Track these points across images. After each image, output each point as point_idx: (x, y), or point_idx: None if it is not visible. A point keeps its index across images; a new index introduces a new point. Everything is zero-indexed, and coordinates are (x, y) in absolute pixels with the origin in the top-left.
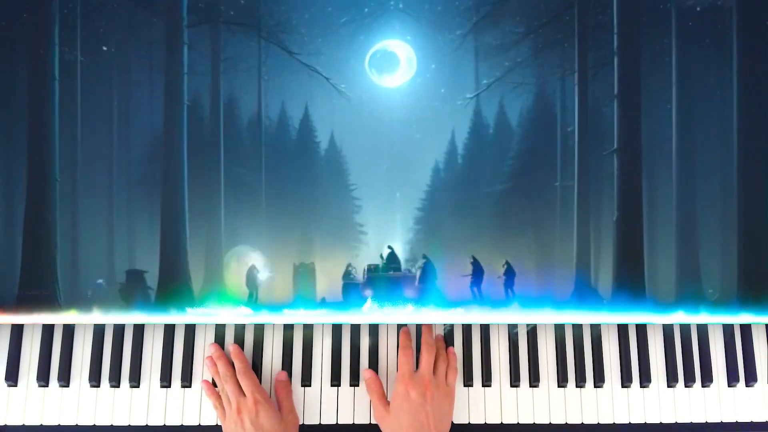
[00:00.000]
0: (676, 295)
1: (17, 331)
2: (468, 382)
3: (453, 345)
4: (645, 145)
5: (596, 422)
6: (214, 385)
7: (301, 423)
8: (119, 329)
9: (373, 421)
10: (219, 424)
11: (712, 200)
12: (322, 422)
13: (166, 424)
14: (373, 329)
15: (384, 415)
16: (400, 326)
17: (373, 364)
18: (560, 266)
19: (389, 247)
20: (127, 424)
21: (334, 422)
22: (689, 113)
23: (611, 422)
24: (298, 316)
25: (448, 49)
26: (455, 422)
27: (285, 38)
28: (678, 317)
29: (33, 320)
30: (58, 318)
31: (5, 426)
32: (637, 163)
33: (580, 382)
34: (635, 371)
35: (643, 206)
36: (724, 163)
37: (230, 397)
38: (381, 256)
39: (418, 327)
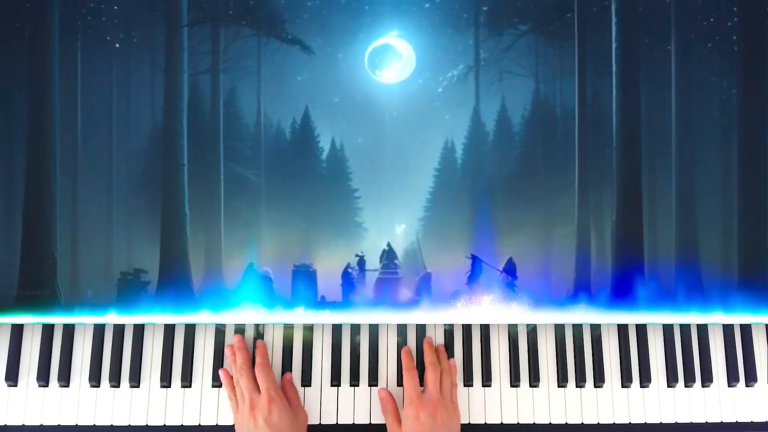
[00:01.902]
0: (676, 295)
1: (17, 331)
2: (468, 382)
3: (453, 345)
4: (645, 144)
5: (596, 422)
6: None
7: None
8: (119, 329)
9: (374, 421)
10: (219, 424)
11: (712, 199)
12: (322, 422)
13: (166, 424)
14: (373, 329)
15: None
16: (400, 326)
17: (373, 364)
18: (560, 265)
19: (388, 245)
20: (127, 424)
21: (334, 422)
22: (689, 112)
23: (611, 422)
24: (298, 316)
25: (448, 46)
26: None
27: (284, 35)
28: (678, 317)
29: (33, 320)
30: (58, 318)
31: (5, 426)
32: (637, 162)
33: (580, 382)
34: (635, 371)
35: (643, 205)
36: (725, 162)
37: (244, 392)
38: (381, 255)
39: (418, 336)
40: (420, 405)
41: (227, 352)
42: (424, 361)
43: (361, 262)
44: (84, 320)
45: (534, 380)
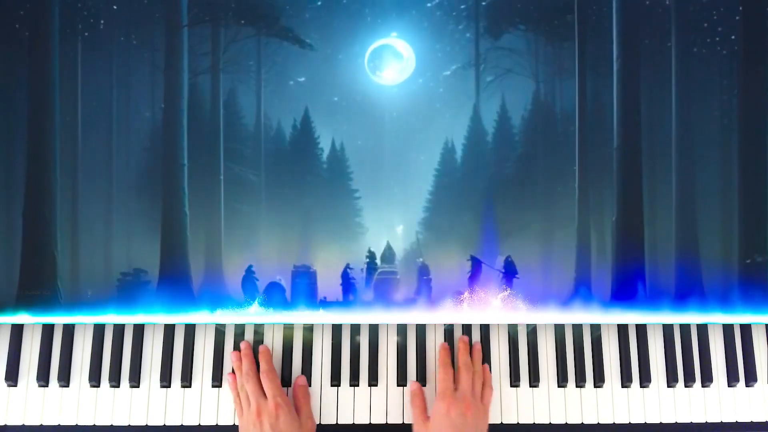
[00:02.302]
0: (676, 295)
1: (17, 331)
2: None
3: (453, 345)
4: (645, 144)
5: (596, 422)
6: None
7: None
8: (119, 329)
9: (373, 421)
10: (219, 424)
11: (712, 199)
12: (322, 422)
13: (166, 424)
14: (373, 329)
15: (423, 431)
16: (400, 326)
17: (373, 364)
18: (561, 265)
19: (387, 244)
20: (127, 424)
21: (334, 422)
22: (689, 112)
23: (611, 422)
24: (298, 316)
25: (448, 46)
26: None
27: (284, 35)
28: (678, 317)
29: (33, 320)
30: (58, 318)
31: (5, 426)
32: (637, 162)
33: (580, 382)
34: (635, 371)
35: (643, 205)
36: (725, 162)
37: (250, 397)
38: (381, 255)
39: (418, 336)
40: (452, 401)
41: (233, 357)
42: (457, 360)
43: (361, 262)
44: (84, 320)
45: (534, 380)
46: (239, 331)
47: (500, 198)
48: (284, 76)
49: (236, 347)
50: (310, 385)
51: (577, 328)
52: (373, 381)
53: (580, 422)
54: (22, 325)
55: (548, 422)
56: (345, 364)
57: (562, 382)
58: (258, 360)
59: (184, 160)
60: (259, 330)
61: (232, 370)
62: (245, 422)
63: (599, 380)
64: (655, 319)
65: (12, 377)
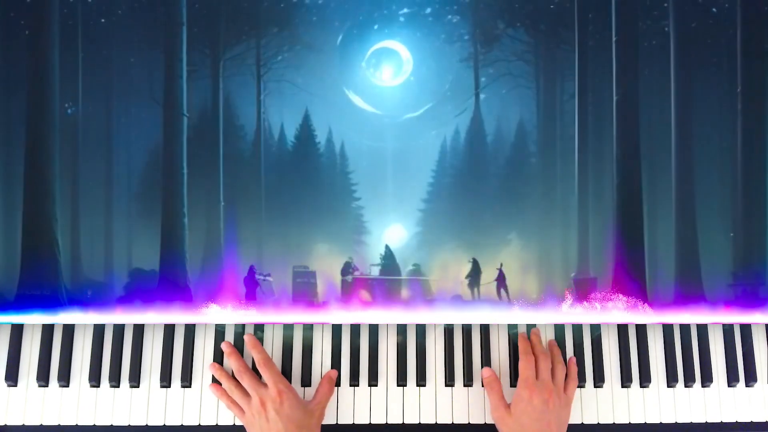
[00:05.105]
0: (676, 296)
1: (17, 331)
2: (468, 382)
3: (453, 345)
4: (645, 144)
5: (596, 422)
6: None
7: None
8: (119, 329)
9: (373, 421)
10: (219, 424)
11: (712, 199)
12: (323, 422)
13: (166, 424)
14: (373, 329)
15: (504, 417)
16: (400, 326)
17: (373, 364)
18: (561, 265)
19: (387, 245)
20: (127, 424)
21: (334, 422)
22: (690, 112)
23: (611, 422)
24: (298, 316)
25: (447, 47)
26: (455, 422)
27: (284, 37)
28: (678, 317)
29: (33, 320)
30: (58, 318)
31: (5, 426)
32: (636, 163)
33: (580, 382)
34: (635, 371)
35: (643, 206)
36: (725, 162)
37: (250, 391)
38: (380, 257)
39: (418, 336)
40: (534, 389)
41: (213, 369)
42: (520, 352)
43: (361, 262)
44: (84, 320)
45: None
46: (239, 331)
47: (500, 199)
48: (284, 77)
49: (236, 346)
50: (309, 385)
51: (577, 328)
52: (373, 381)
53: (580, 422)
54: (22, 325)
55: None
56: (345, 364)
57: None
58: (249, 353)
59: (184, 162)
60: (259, 330)
61: (213, 379)
62: (249, 418)
63: (599, 380)
64: (655, 319)
65: (12, 377)
